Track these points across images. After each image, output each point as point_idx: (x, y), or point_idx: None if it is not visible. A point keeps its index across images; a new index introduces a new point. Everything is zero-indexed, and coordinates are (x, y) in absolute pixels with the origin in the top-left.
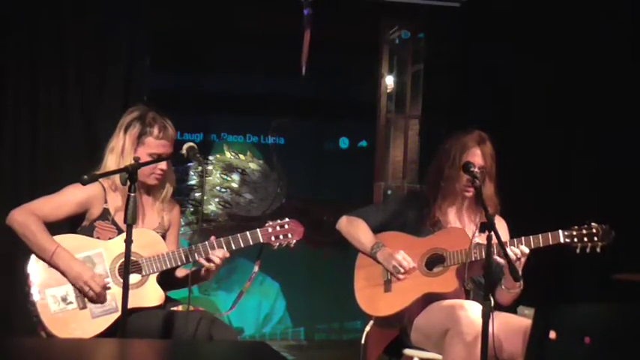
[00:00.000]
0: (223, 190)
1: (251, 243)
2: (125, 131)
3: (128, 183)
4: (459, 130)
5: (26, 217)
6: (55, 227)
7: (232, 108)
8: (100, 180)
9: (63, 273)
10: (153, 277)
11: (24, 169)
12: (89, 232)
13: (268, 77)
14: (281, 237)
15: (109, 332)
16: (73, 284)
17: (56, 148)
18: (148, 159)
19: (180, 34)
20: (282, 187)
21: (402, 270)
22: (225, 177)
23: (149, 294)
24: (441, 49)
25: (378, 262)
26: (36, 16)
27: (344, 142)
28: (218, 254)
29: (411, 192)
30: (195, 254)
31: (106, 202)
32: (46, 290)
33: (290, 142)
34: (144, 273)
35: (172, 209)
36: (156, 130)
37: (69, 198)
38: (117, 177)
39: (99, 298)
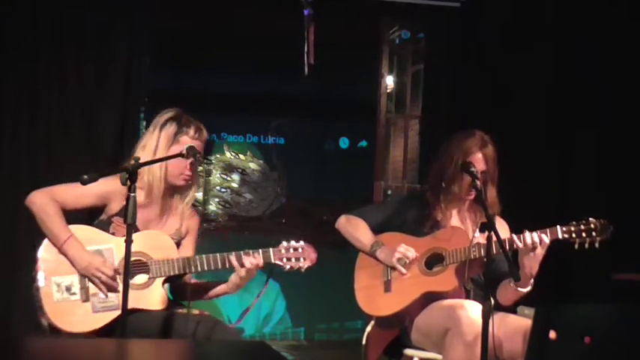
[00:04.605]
0: (223, 190)
1: (262, 262)
2: (161, 129)
3: (128, 183)
4: (460, 131)
5: (46, 201)
6: (73, 217)
7: (232, 108)
8: None
9: (72, 262)
10: (159, 281)
11: (24, 169)
12: (106, 226)
13: (268, 77)
14: (293, 260)
15: (108, 329)
16: (82, 274)
17: (56, 148)
18: None
19: (180, 34)
20: (282, 187)
21: (408, 261)
22: (225, 177)
23: (154, 297)
24: (441, 49)
25: (378, 261)
26: (36, 15)
27: (344, 142)
28: (253, 261)
29: (411, 192)
30: (212, 263)
31: None
32: (52, 277)
33: (290, 142)
34: (151, 275)
35: (192, 217)
36: (192, 131)
37: (90, 189)
38: (145, 174)
39: (110, 286)
